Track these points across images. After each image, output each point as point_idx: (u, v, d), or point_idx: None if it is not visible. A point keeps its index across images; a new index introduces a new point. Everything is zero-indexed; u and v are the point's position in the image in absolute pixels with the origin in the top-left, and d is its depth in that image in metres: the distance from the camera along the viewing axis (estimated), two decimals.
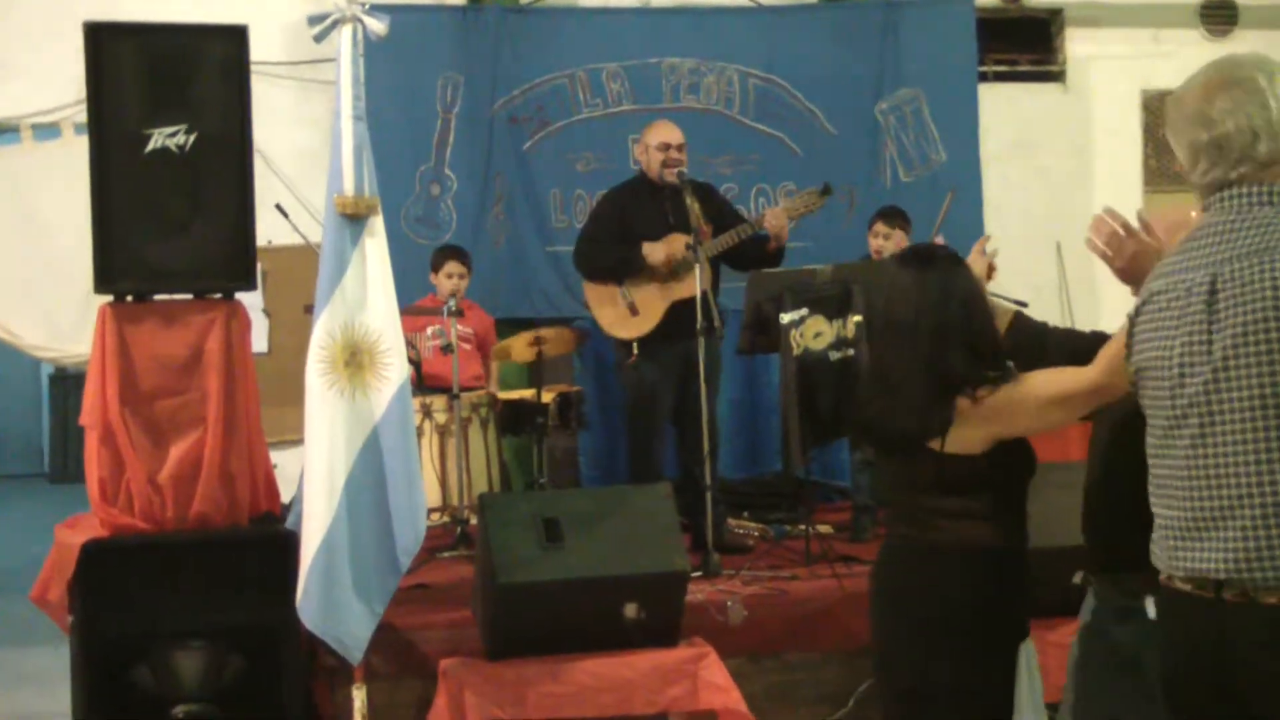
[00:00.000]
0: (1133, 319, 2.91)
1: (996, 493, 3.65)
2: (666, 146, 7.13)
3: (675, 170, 6.98)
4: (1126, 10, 9.94)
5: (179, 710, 5.12)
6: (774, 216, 6.99)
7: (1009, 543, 3.65)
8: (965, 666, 3.60)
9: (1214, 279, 2.66)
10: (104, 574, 5.15)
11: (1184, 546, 2.71)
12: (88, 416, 5.28)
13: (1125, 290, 11.26)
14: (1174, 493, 2.74)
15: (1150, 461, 2.84)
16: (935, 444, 3.60)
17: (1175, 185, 10.19)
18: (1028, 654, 3.65)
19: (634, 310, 7.07)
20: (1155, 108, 10.16)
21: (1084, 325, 9.64)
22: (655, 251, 7.01)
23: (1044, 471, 6.01)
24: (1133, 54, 10.00)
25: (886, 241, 7.65)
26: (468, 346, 7.93)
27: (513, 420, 7.72)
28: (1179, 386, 2.70)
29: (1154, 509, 2.83)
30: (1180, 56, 10.01)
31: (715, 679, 5.40)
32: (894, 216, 7.86)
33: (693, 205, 6.71)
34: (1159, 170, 10.21)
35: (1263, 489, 2.58)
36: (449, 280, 7.91)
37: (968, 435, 3.60)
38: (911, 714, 3.70)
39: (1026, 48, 10.07)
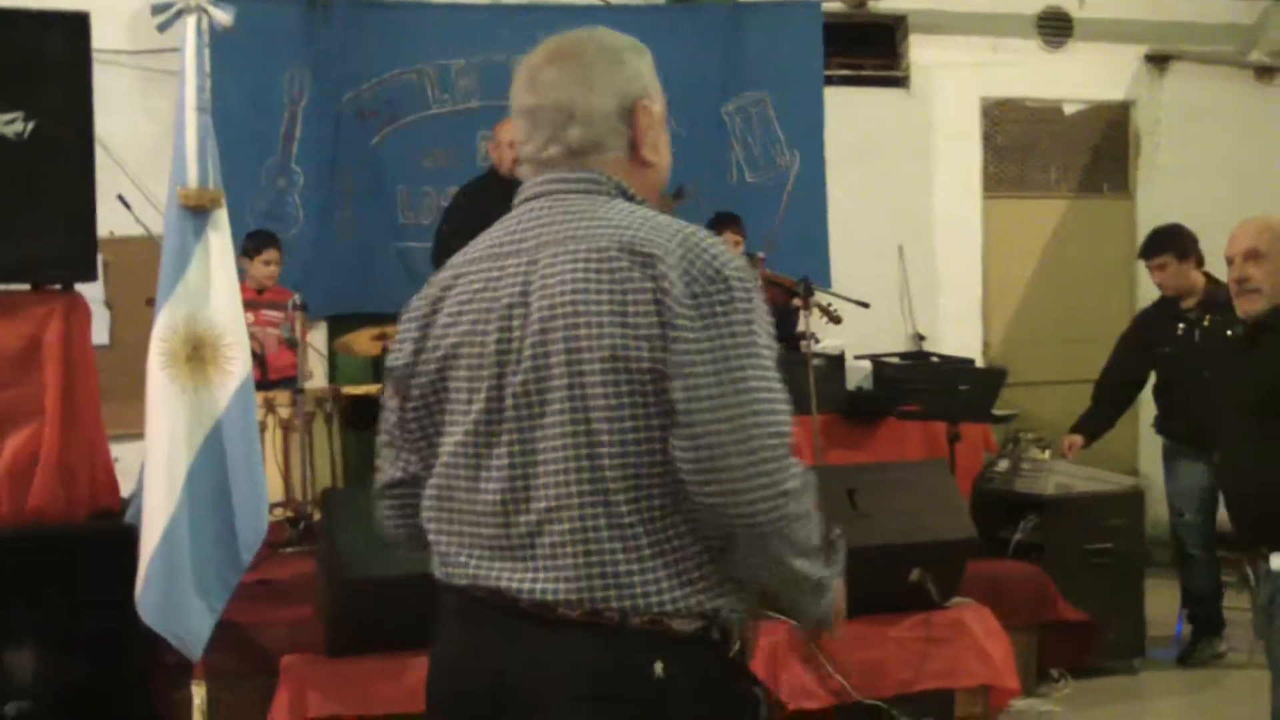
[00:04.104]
0: (425, 314, 2.52)
1: None
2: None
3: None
4: (967, 19, 10.16)
5: (9, 707, 5.03)
6: None
7: None
8: None
9: (528, 268, 2.37)
10: None
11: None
12: None
13: (963, 294, 11.51)
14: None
15: (437, 465, 2.49)
16: None
17: (1014, 191, 10.46)
18: None
19: None
20: (995, 115, 10.41)
21: (923, 326, 9.87)
22: None
23: (881, 470, 6.18)
24: (973, 61, 10.24)
25: (737, 249, 7.75)
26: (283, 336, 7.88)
27: (356, 415, 7.68)
28: (497, 385, 2.36)
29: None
30: (1018, 65, 10.31)
31: None
32: (735, 223, 8.03)
33: None
34: (998, 176, 10.46)
35: (580, 499, 2.30)
36: (265, 267, 7.84)
37: None
38: None
39: (871, 53, 10.24)
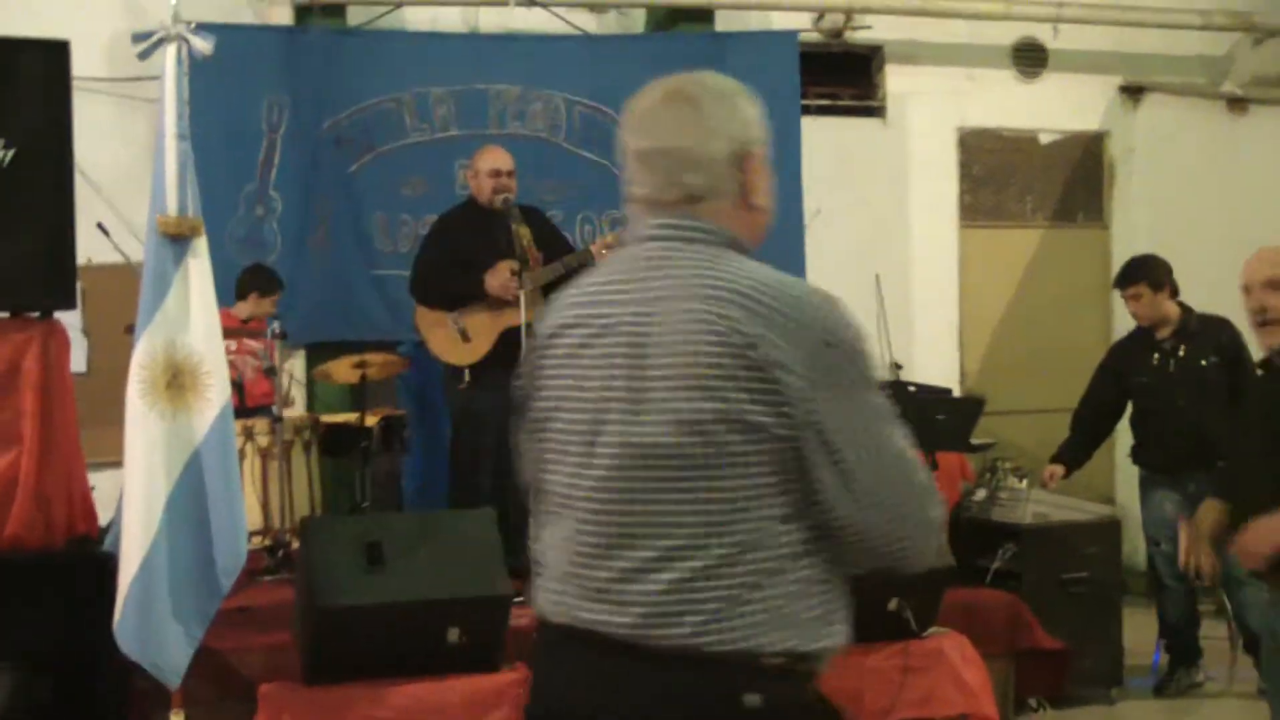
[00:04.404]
0: (540, 350, 2.58)
1: None
2: (497, 173, 7.15)
3: (503, 196, 7.01)
4: (943, 49, 10.21)
5: None
6: (604, 246, 7.03)
7: None
8: None
9: (641, 320, 2.39)
10: None
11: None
12: None
13: (939, 323, 11.51)
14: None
15: (544, 500, 2.58)
16: None
17: (989, 220, 10.51)
18: None
19: (466, 337, 7.09)
20: (970, 144, 10.46)
21: (900, 355, 9.90)
22: (493, 279, 7.03)
23: None
24: (949, 91, 10.29)
25: None
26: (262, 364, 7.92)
27: (335, 443, 7.68)
28: (602, 432, 2.41)
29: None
30: (993, 95, 10.37)
31: None
32: None
33: (521, 231, 6.74)
34: (973, 205, 10.50)
35: (684, 552, 2.35)
36: (272, 308, 7.90)
37: None
38: None
39: (847, 82, 10.29)
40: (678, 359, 2.33)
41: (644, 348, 2.37)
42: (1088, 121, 10.67)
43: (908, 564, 2.44)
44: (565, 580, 2.46)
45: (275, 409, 7.37)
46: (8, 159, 5.21)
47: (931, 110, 10.28)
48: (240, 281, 8.05)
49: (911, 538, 2.40)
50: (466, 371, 7.09)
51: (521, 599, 6.02)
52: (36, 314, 5.31)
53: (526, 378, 2.59)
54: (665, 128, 2.48)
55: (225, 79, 8.31)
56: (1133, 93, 10.68)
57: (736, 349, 2.29)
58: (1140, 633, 7.52)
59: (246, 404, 7.51)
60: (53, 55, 5.33)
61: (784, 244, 9.44)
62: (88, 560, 5.26)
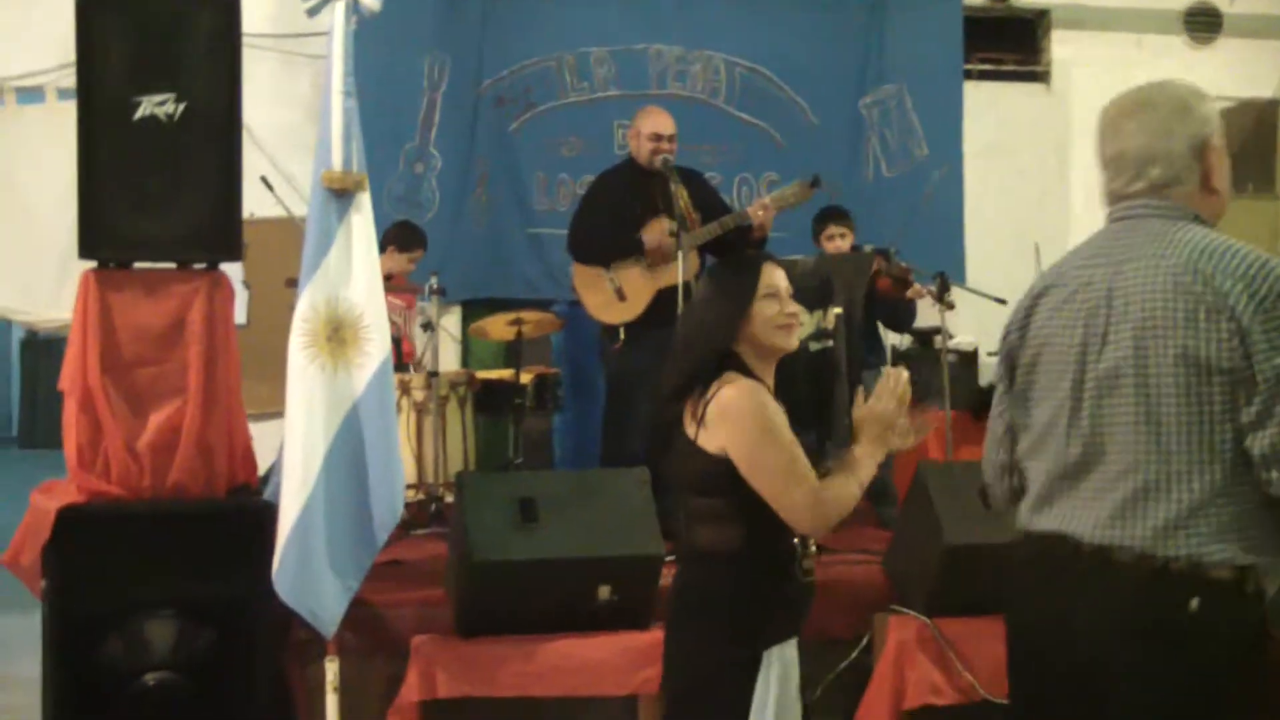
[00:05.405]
0: (1027, 309, 3.20)
1: (738, 496, 3.58)
2: (658, 137, 7.11)
3: (662, 157, 6.98)
4: (1111, 14, 9.99)
5: (150, 678, 5.11)
6: (761, 208, 6.98)
7: (749, 548, 3.61)
8: (701, 668, 3.66)
9: (1112, 277, 2.97)
10: (79, 540, 5.12)
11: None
12: (67, 382, 5.25)
13: None
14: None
15: (1029, 434, 3.18)
16: (690, 431, 3.64)
17: None
18: (780, 660, 3.61)
19: (621, 295, 7.07)
20: None
21: None
22: (650, 234, 7.01)
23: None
24: (1116, 58, 10.05)
25: (843, 241, 7.70)
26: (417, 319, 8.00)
27: (489, 400, 7.73)
28: (1080, 370, 3.00)
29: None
30: (1163, 62, 10.07)
31: None
32: (844, 217, 7.86)
33: (679, 192, 6.72)
34: None
35: (1144, 468, 2.88)
36: (410, 265, 7.94)
37: (711, 432, 3.61)
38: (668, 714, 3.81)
39: (1011, 47, 10.13)
40: (1141, 306, 2.88)
41: (1112, 299, 2.95)
42: (1262, 89, 10.37)
43: None
44: (1047, 497, 3.06)
45: (412, 367, 7.45)
46: (178, 113, 5.27)
47: (1097, 77, 10.02)
48: (382, 236, 8.11)
49: None
50: (621, 330, 7.08)
51: (672, 558, 6.03)
52: (203, 266, 5.39)
53: (1014, 328, 3.21)
54: (1129, 131, 3.10)
55: (387, 37, 8.38)
56: None
57: (1195, 295, 2.81)
58: None
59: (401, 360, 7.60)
60: (223, 11, 5.39)
61: (944, 209, 9.32)
62: (249, 509, 5.34)
